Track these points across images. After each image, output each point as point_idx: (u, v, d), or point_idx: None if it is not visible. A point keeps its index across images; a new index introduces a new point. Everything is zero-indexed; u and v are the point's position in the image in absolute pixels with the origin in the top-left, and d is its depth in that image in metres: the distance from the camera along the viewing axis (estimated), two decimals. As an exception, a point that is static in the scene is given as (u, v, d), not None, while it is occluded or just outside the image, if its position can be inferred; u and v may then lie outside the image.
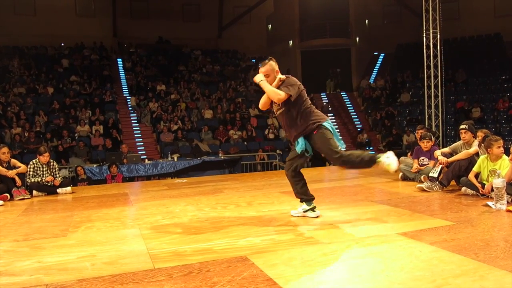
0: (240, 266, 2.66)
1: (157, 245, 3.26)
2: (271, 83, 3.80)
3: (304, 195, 3.98)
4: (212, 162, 11.29)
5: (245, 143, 14.49)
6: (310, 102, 3.92)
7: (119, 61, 20.03)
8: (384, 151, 3.86)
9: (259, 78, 3.79)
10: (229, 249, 3.06)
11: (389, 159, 3.65)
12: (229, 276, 2.50)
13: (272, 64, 3.85)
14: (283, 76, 3.85)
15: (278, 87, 3.77)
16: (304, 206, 4.00)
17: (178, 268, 2.68)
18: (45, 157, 6.74)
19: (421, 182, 5.70)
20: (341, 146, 3.85)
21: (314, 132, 3.75)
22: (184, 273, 2.59)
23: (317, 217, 3.95)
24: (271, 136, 15.01)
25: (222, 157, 11.64)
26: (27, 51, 19.33)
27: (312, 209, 3.98)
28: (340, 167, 3.62)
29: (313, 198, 4.00)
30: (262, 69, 3.84)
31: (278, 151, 13.71)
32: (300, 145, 3.79)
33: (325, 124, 3.76)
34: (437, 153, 5.68)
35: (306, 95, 3.90)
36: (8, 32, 18.31)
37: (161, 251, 3.08)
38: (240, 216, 4.25)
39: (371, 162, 3.70)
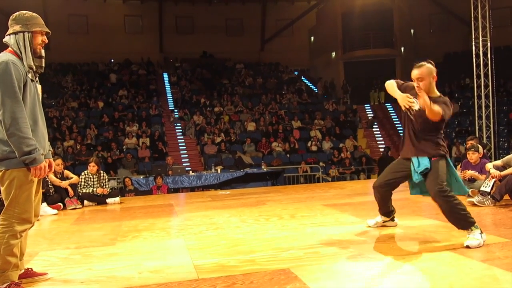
0: (283, 279, 2.65)
1: (201, 256, 3.31)
2: (425, 88, 3.30)
3: (388, 210, 3.97)
4: (255, 174, 11.34)
5: (288, 155, 14.46)
6: None
7: (165, 75, 20.68)
8: None
9: (417, 104, 3.31)
10: (272, 261, 3.06)
11: (478, 240, 3.17)
12: (272, 288, 2.50)
13: (430, 67, 3.37)
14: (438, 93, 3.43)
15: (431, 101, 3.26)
16: (384, 217, 4.02)
17: (221, 279, 2.71)
18: (91, 167, 7.04)
19: (469, 196, 5.47)
20: (463, 190, 3.50)
21: (433, 158, 3.38)
22: (227, 284, 2.62)
23: (396, 225, 4.03)
24: (313, 148, 14.90)
25: (264, 169, 11.66)
26: (79, 67, 20.38)
27: (392, 219, 4.03)
28: (436, 203, 3.34)
29: (394, 212, 4.02)
30: (415, 71, 3.37)
31: (321, 164, 13.58)
32: (424, 164, 3.39)
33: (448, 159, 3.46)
34: (489, 166, 5.43)
35: None
36: (62, 50, 19.37)
37: (205, 262, 3.13)
38: (283, 228, 4.24)
39: (465, 225, 3.27)
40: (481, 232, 3.23)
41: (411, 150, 3.50)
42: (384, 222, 4.03)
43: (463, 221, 3.27)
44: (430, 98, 3.28)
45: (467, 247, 3.14)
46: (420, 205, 5.42)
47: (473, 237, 3.19)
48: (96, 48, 20.92)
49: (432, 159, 3.38)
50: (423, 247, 3.29)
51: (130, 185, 9.69)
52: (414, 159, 3.46)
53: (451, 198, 3.26)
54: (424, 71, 3.34)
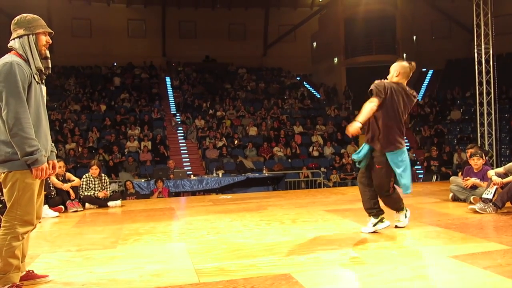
0: (284, 284, 2.65)
1: (202, 260, 3.31)
2: (389, 78, 4.01)
3: (370, 206, 4.05)
4: (256, 178, 11.32)
5: (289, 160, 14.45)
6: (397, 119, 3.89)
7: (168, 79, 20.74)
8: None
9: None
10: (273, 266, 3.05)
11: (403, 222, 4.17)
12: (273, 293, 2.49)
13: (397, 64, 3.97)
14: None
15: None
16: (372, 220, 4.04)
17: (222, 283, 2.71)
18: (94, 170, 7.04)
19: (471, 203, 5.46)
20: (406, 180, 3.90)
21: (377, 166, 3.89)
22: (228, 288, 2.62)
23: (388, 226, 4.09)
24: (315, 153, 14.89)
25: (266, 174, 11.65)
26: (82, 70, 20.46)
27: (381, 220, 4.04)
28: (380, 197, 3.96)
29: (382, 212, 4.08)
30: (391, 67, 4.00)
31: (322, 169, 13.57)
32: (362, 153, 3.94)
33: (395, 153, 3.84)
34: (491, 173, 5.42)
35: (399, 110, 3.88)
36: (66, 53, 19.46)
37: (206, 266, 3.13)
38: (284, 233, 4.24)
39: (397, 207, 4.12)
40: (406, 210, 4.18)
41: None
42: (374, 225, 4.03)
43: (397, 206, 4.11)
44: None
45: (396, 227, 4.10)
46: (421, 212, 5.41)
47: (399, 219, 4.14)
48: (99, 51, 21.01)
49: (377, 166, 3.88)
50: (424, 253, 3.28)
51: (131, 188, 9.68)
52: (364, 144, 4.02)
53: (390, 198, 4.02)
54: (392, 66, 3.99)
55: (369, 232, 4.01)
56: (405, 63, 3.93)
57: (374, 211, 4.02)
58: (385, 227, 4.04)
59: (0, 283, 2.52)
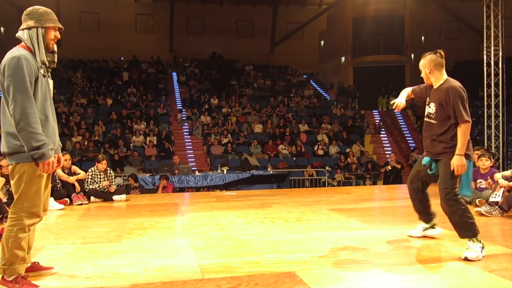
0: (288, 282, 2.65)
1: (207, 256, 3.31)
2: (425, 79, 3.35)
3: (424, 211, 3.71)
4: (261, 176, 11.32)
5: (294, 158, 14.45)
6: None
7: (174, 74, 20.77)
8: None
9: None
10: (277, 264, 3.05)
11: (478, 254, 3.03)
12: (277, 291, 2.49)
13: (426, 58, 3.30)
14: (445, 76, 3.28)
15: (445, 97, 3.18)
16: (424, 224, 3.79)
17: (226, 279, 2.72)
18: (103, 165, 7.07)
19: (477, 206, 5.43)
20: (467, 193, 3.31)
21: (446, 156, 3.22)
22: (232, 285, 2.62)
23: (438, 234, 3.75)
24: (320, 152, 14.87)
25: (270, 172, 11.66)
26: (90, 64, 20.52)
27: (432, 227, 3.78)
28: (442, 206, 3.26)
29: (434, 217, 3.74)
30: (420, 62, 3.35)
31: (327, 168, 13.56)
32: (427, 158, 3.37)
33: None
34: (498, 176, 5.38)
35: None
36: (73, 47, 19.50)
37: (210, 262, 3.13)
38: (288, 231, 4.23)
39: (466, 233, 3.16)
40: (483, 247, 3.10)
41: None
42: (424, 230, 3.80)
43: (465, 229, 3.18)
44: (432, 87, 3.31)
45: (465, 258, 3.03)
46: (426, 213, 5.38)
47: (473, 249, 3.07)
48: (106, 45, 21.06)
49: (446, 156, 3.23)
50: (429, 255, 3.27)
51: (134, 183, 9.69)
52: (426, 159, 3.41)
53: (458, 204, 3.17)
54: (420, 63, 3.37)
55: (415, 236, 3.83)
56: (430, 56, 3.31)
57: (424, 216, 3.75)
58: (434, 235, 3.77)
59: (6, 274, 2.54)
